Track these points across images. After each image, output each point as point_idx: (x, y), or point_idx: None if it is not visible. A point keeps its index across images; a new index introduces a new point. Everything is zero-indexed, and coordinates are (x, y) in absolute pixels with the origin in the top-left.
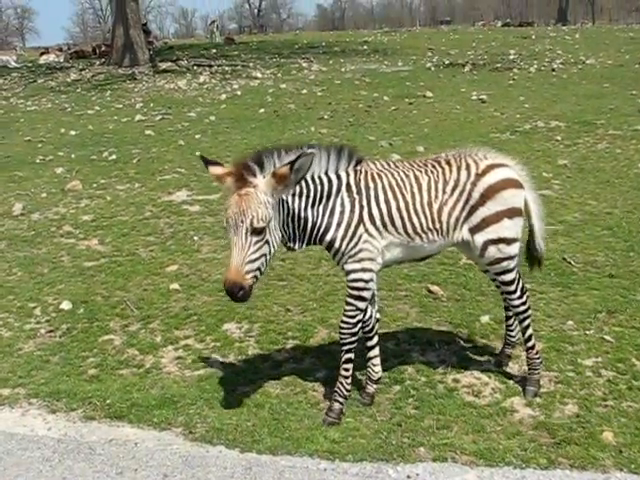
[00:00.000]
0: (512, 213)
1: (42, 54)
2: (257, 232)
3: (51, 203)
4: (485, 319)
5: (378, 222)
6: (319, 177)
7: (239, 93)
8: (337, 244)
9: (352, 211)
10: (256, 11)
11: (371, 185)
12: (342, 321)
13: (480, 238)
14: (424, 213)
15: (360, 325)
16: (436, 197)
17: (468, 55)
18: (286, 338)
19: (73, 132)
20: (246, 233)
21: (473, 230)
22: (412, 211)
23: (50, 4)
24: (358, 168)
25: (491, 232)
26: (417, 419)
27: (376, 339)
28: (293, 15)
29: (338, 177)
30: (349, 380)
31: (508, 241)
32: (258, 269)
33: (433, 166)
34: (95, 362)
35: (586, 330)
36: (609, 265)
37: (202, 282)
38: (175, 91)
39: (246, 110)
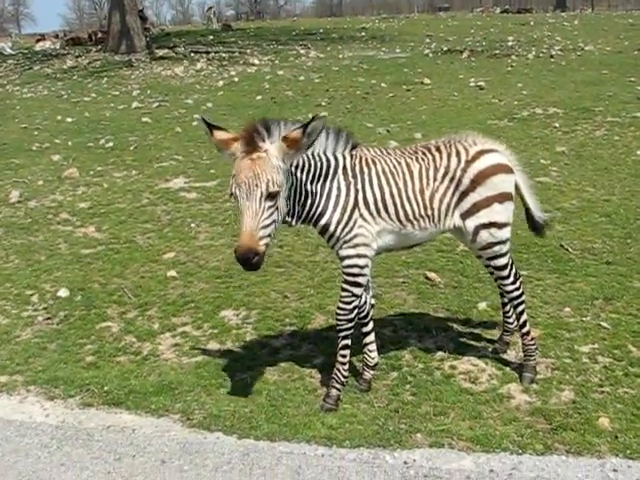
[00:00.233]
0: (503, 198)
1: (38, 41)
2: (271, 197)
3: (48, 190)
4: (482, 306)
5: (372, 207)
6: (319, 155)
7: (236, 80)
8: (332, 228)
9: (347, 194)
10: None
11: (365, 170)
12: (338, 307)
13: (471, 223)
14: (416, 200)
15: (356, 311)
16: (427, 184)
17: (466, 42)
18: (283, 325)
19: (69, 119)
20: (260, 197)
21: (464, 215)
22: (404, 198)
23: None
24: (354, 153)
25: (482, 217)
26: (414, 405)
27: (371, 325)
28: (290, 1)
29: (335, 158)
30: (346, 366)
31: (499, 225)
32: (269, 235)
33: (424, 153)
34: (92, 349)
35: (583, 317)
36: (606, 252)
37: (199, 269)
38: (172, 78)
39: (243, 97)
